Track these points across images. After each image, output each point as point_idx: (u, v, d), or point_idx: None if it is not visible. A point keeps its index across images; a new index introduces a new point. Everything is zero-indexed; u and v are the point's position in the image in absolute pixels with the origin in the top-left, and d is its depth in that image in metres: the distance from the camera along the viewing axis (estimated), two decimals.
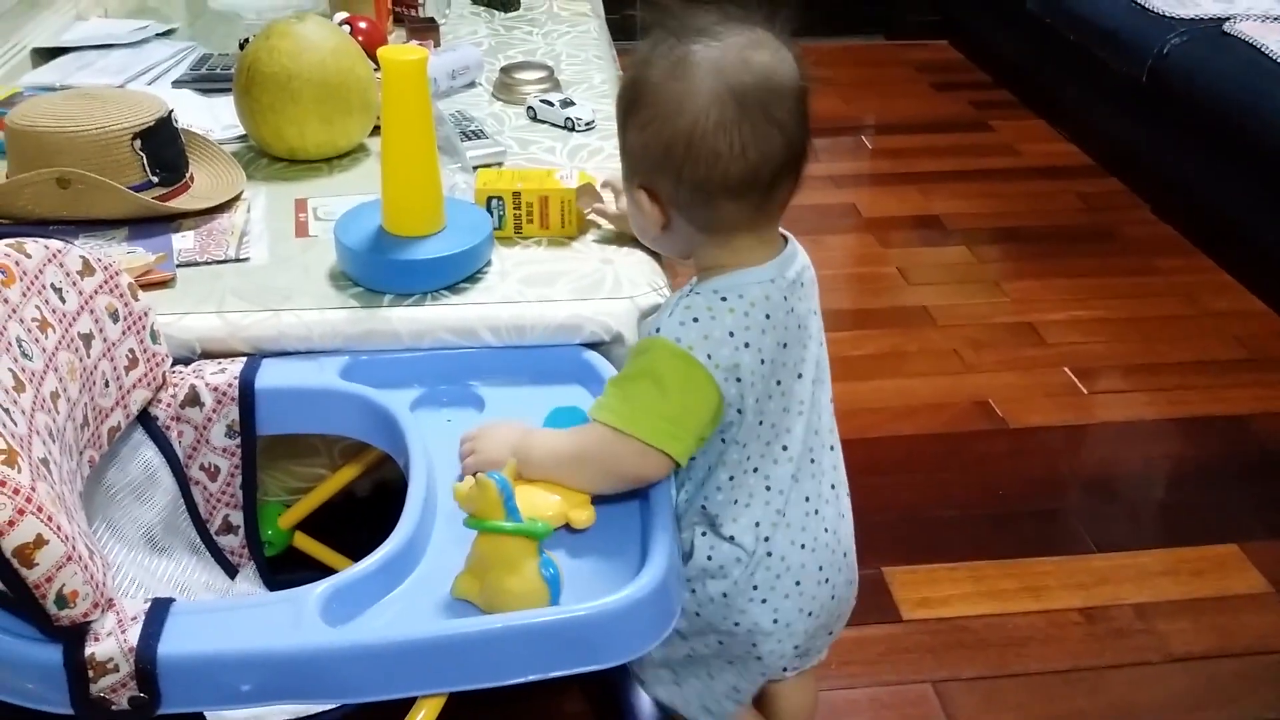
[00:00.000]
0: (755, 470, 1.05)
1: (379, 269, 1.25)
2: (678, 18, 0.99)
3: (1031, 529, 1.90)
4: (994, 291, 2.62)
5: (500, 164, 1.57)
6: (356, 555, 0.98)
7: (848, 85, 3.81)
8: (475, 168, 1.52)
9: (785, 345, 1.02)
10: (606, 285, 1.27)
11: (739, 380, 0.99)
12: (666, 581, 0.94)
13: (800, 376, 1.05)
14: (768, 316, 1.00)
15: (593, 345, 1.24)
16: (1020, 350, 2.39)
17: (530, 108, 1.74)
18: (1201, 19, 2.98)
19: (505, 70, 1.84)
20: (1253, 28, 2.83)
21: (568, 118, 1.69)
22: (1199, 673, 1.62)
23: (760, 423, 1.03)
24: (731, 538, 1.05)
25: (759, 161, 0.96)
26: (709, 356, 0.97)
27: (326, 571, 1.00)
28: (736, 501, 1.05)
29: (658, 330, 1.00)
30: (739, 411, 1.01)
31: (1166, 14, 3.03)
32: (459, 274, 1.27)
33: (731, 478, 1.05)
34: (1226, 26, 2.89)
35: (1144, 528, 1.93)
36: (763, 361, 1.00)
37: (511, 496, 0.91)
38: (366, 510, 1.34)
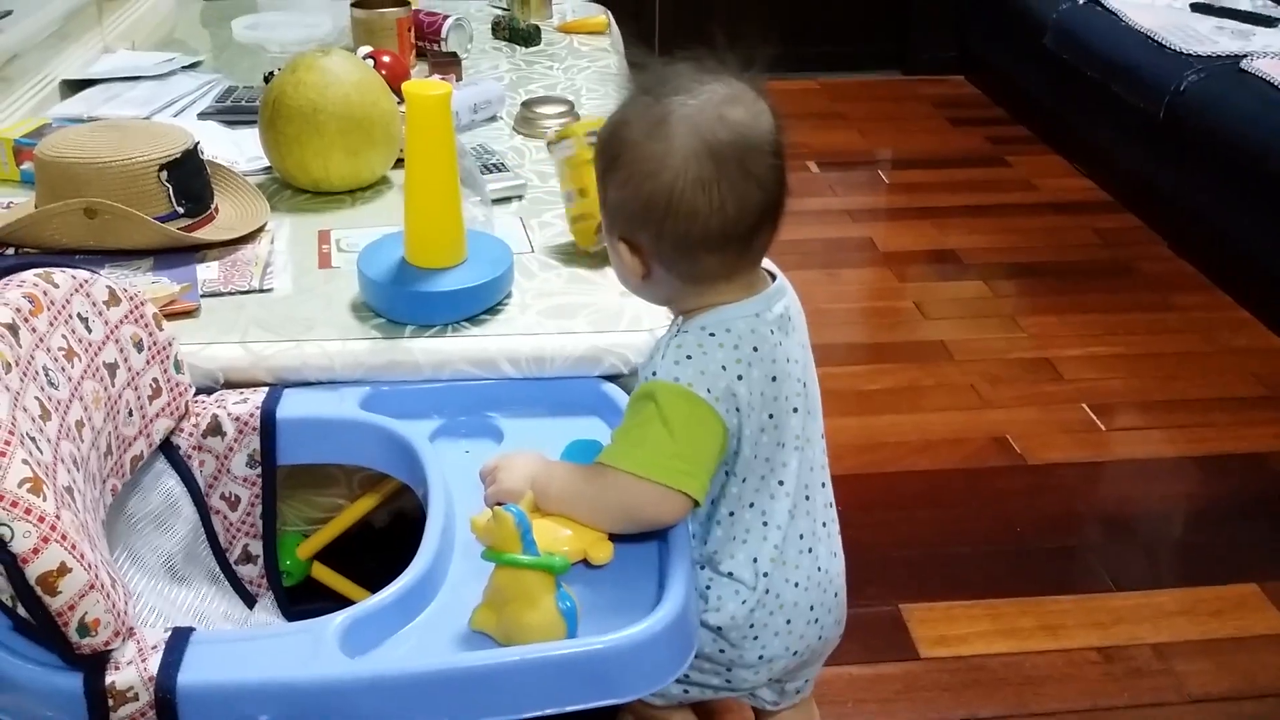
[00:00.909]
0: (752, 506, 1.05)
1: (401, 300, 1.26)
2: (654, 74, 1.01)
3: (1049, 567, 1.89)
4: (1011, 326, 2.62)
5: (521, 197, 1.58)
6: (373, 586, 0.98)
7: (865, 120, 3.82)
8: (494, 201, 1.53)
9: (774, 379, 1.02)
10: (625, 318, 1.28)
11: (738, 410, 1.00)
12: (684, 615, 0.94)
13: (795, 410, 1.05)
14: (755, 349, 1.01)
15: (611, 378, 1.25)
16: (1038, 386, 2.39)
17: (550, 141, 1.75)
18: (1219, 56, 2.99)
19: (526, 104, 1.86)
20: (1270, 65, 2.84)
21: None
22: (1218, 714, 1.61)
23: (756, 457, 1.03)
24: (730, 574, 1.05)
25: (737, 216, 0.97)
26: (708, 390, 0.98)
27: (344, 602, 1.00)
28: (734, 538, 1.05)
29: (654, 374, 1.00)
30: (737, 441, 1.01)
31: (1184, 51, 3.04)
32: (480, 306, 1.28)
33: (731, 513, 1.05)
34: (1244, 64, 2.90)
35: (1162, 566, 1.91)
36: (752, 394, 1.00)
37: (529, 530, 0.91)
38: (383, 541, 1.35)
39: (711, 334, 1.00)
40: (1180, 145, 2.94)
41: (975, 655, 1.69)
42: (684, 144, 0.96)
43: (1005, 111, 3.95)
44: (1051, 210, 3.23)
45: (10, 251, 1.40)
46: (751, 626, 1.06)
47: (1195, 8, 3.37)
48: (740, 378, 0.99)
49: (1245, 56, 2.94)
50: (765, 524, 1.05)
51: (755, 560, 1.05)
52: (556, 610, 0.92)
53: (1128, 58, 3.17)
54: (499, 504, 0.93)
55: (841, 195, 3.22)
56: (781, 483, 1.05)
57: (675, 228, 0.97)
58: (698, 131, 0.96)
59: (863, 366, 2.43)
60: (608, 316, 1.28)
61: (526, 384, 1.24)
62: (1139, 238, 3.07)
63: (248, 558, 1.24)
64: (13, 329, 0.94)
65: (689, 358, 0.99)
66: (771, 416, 1.03)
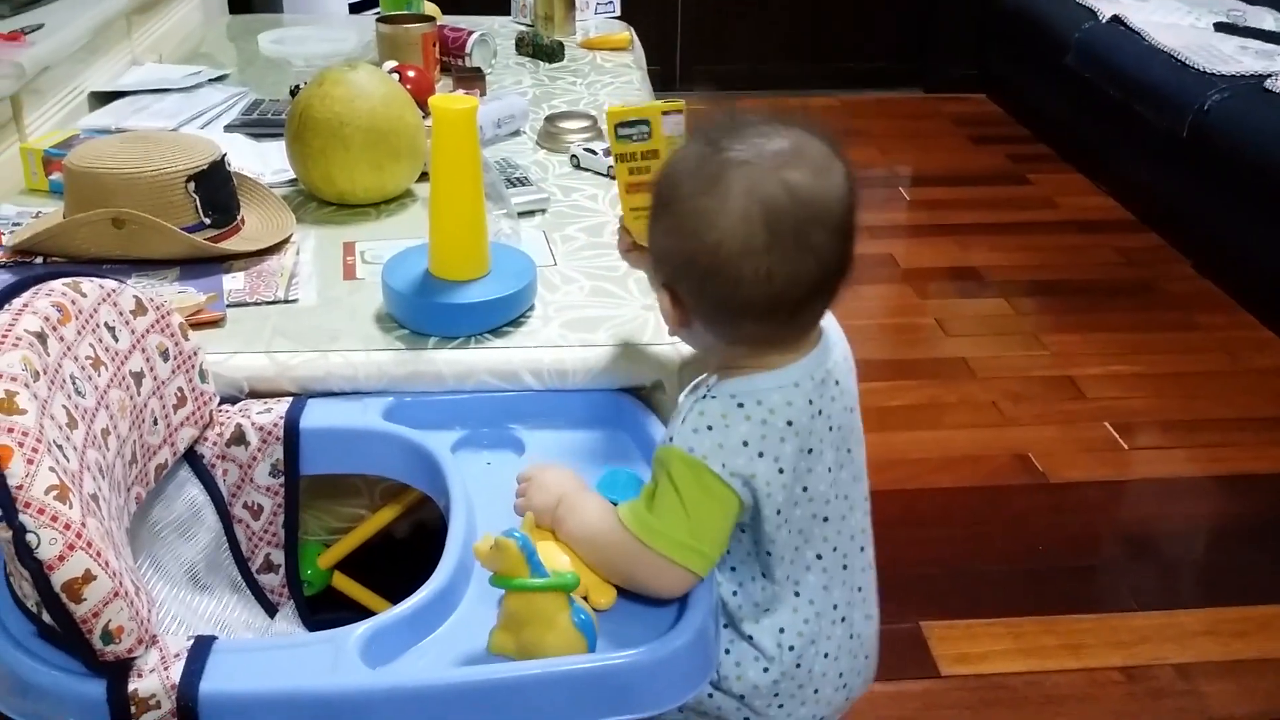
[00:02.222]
0: (787, 578, 1.00)
1: (425, 312, 1.26)
2: (720, 120, 0.93)
3: (1071, 585, 1.88)
4: (1033, 344, 2.61)
5: (544, 211, 1.59)
6: (393, 597, 0.98)
7: (886, 137, 3.83)
8: (519, 214, 1.54)
9: (810, 451, 0.96)
10: (649, 331, 1.28)
11: (754, 491, 0.94)
12: (705, 630, 0.94)
13: (836, 481, 1.00)
14: (789, 423, 0.94)
15: (633, 390, 1.25)
16: (1060, 404, 2.38)
17: (574, 156, 1.76)
18: (1243, 76, 2.99)
19: (549, 119, 1.87)
20: None
21: (610, 166, 1.71)
22: None
23: (789, 531, 0.98)
24: (751, 638, 1.01)
25: (785, 287, 0.91)
26: (723, 465, 0.92)
27: (364, 612, 1.00)
28: (759, 604, 1.01)
29: (671, 439, 0.95)
30: (754, 515, 0.97)
31: (1208, 70, 3.03)
32: (503, 318, 1.28)
33: (759, 577, 1.01)
34: (1268, 84, 2.89)
35: (1185, 586, 1.90)
36: (781, 470, 0.94)
37: (534, 553, 0.90)
38: (404, 552, 1.35)
39: (740, 404, 0.94)
40: (1203, 164, 2.93)
41: (996, 673, 1.69)
42: (737, 205, 0.88)
43: (1027, 130, 3.95)
44: (1073, 228, 3.22)
45: (39, 261, 1.41)
46: (776, 695, 1.02)
47: (1219, 27, 3.36)
48: (762, 455, 0.93)
49: (1269, 76, 2.93)
50: (797, 594, 1.01)
51: (782, 631, 1.01)
52: (574, 627, 0.91)
53: (1151, 77, 3.17)
54: (503, 532, 0.90)
55: (862, 212, 3.21)
56: (820, 556, 1.01)
57: (716, 290, 0.92)
58: (753, 192, 0.88)
59: (883, 383, 2.43)
60: (630, 330, 1.28)
61: (549, 396, 1.24)
62: (1161, 256, 3.06)
63: (269, 567, 1.25)
64: (41, 338, 0.94)
65: (709, 428, 0.93)
66: (805, 489, 0.97)
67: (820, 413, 0.97)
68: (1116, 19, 3.46)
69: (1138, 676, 1.69)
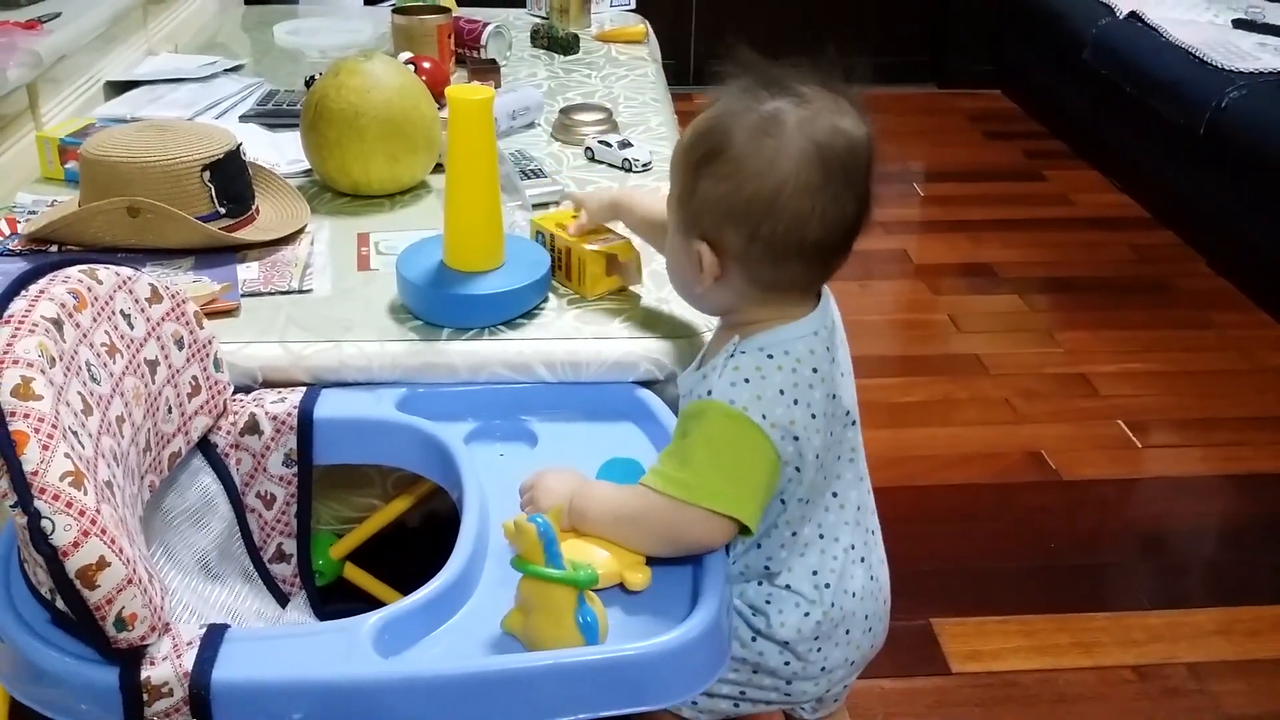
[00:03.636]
0: (812, 520, 1.04)
1: (439, 302, 1.26)
2: (759, 73, 0.98)
3: (1084, 583, 1.87)
4: (1046, 341, 2.60)
5: (559, 203, 1.59)
6: (405, 588, 0.98)
7: (900, 132, 3.81)
8: (534, 205, 1.54)
9: (834, 396, 1.01)
10: (662, 324, 1.28)
11: (795, 439, 0.97)
12: (719, 622, 0.94)
13: (854, 423, 1.05)
14: (815, 370, 0.99)
15: (647, 384, 1.24)
16: (1073, 401, 2.37)
17: (588, 148, 1.76)
18: (1261, 72, 2.97)
19: (564, 111, 1.87)
20: None
21: (625, 159, 1.71)
22: None
23: (822, 476, 1.03)
24: (788, 586, 1.04)
25: (834, 227, 0.96)
26: (764, 416, 0.96)
27: (375, 604, 1.00)
28: (793, 553, 1.05)
29: (709, 393, 0.97)
30: (797, 470, 1.00)
31: (1226, 67, 3.01)
32: (516, 310, 1.28)
33: (795, 533, 1.04)
34: None
35: (1198, 585, 1.89)
36: (814, 416, 0.99)
37: (553, 541, 0.90)
38: (417, 543, 1.35)
39: (770, 356, 0.98)
40: (1220, 162, 2.92)
41: (1008, 671, 1.68)
42: (800, 146, 0.93)
43: (1042, 126, 3.93)
44: (1088, 225, 3.20)
45: (54, 249, 1.41)
46: (817, 639, 1.05)
47: (1238, 24, 3.34)
48: (797, 401, 0.97)
49: None
50: (822, 537, 1.05)
51: (815, 573, 1.05)
52: (576, 626, 0.91)
53: (1168, 73, 3.15)
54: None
55: (875, 207, 3.20)
56: (835, 495, 1.05)
57: (774, 229, 0.95)
58: (813, 137, 0.94)
59: (895, 379, 2.42)
60: (644, 322, 1.28)
61: (562, 388, 1.24)
62: (1176, 254, 3.04)
63: (281, 556, 1.25)
64: (57, 324, 0.94)
65: (746, 381, 0.97)
66: (832, 433, 1.02)
67: (834, 359, 1.02)
68: (1134, 15, 3.44)
69: (1150, 676, 1.68)
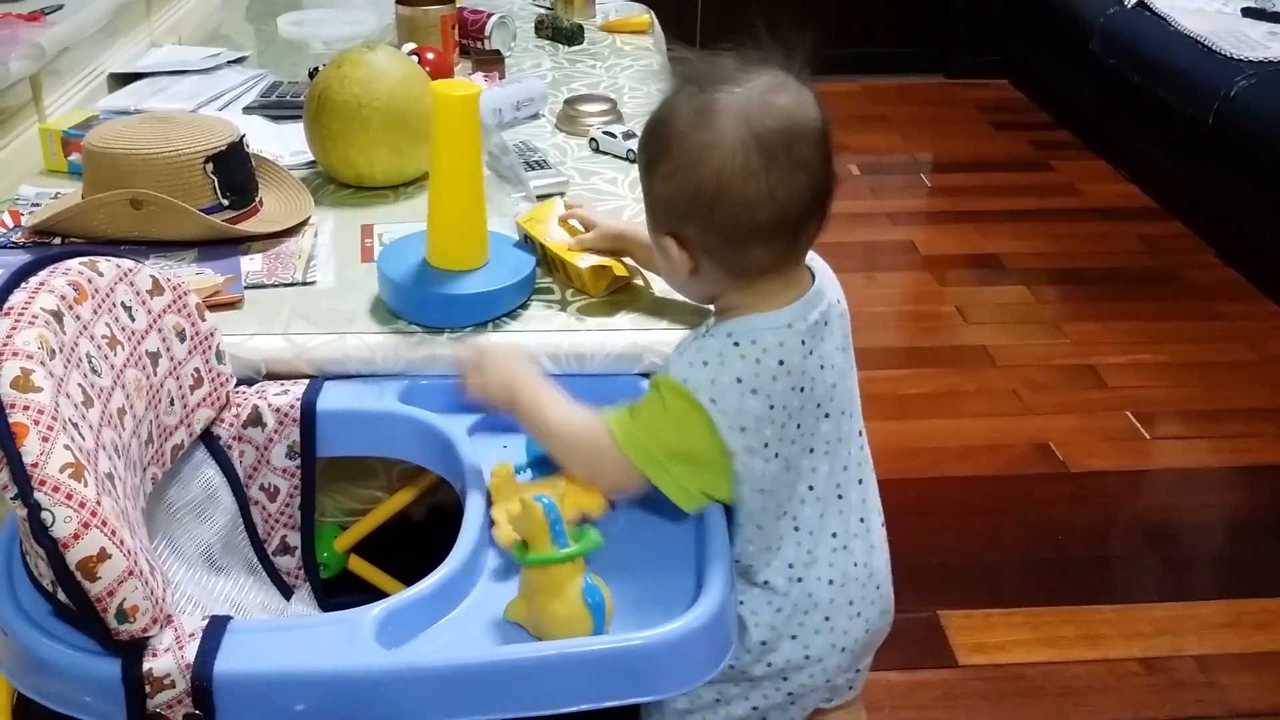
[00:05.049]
0: (784, 514, 1.04)
1: (420, 301, 1.24)
2: (698, 65, 1.00)
3: (1091, 575, 1.87)
4: (1053, 332, 2.59)
5: (563, 194, 1.58)
6: (409, 580, 0.98)
7: (907, 123, 3.80)
8: (538, 197, 1.53)
9: (803, 389, 1.01)
10: (666, 316, 1.27)
11: (743, 430, 0.98)
12: (723, 612, 0.93)
13: (827, 416, 1.04)
14: (781, 363, 0.99)
15: (651, 375, 1.24)
16: (1080, 393, 2.36)
17: (593, 139, 1.75)
18: (1270, 62, 2.95)
19: (569, 102, 1.86)
20: None
21: (630, 149, 1.70)
22: None
23: (786, 469, 1.02)
24: (765, 582, 1.05)
25: (786, 204, 0.96)
26: (713, 401, 0.98)
27: (379, 596, 1.00)
28: (768, 548, 1.05)
29: (670, 369, 1.01)
30: (761, 461, 1.00)
31: (1235, 56, 3.00)
32: (498, 310, 1.25)
33: (760, 526, 1.04)
34: None
35: (1206, 577, 1.89)
36: (772, 408, 0.99)
37: (559, 520, 0.91)
38: (421, 535, 1.35)
39: (736, 344, 0.99)
40: (1229, 151, 2.90)
41: (1014, 664, 1.68)
42: (732, 132, 0.95)
43: (1049, 116, 3.91)
44: (1096, 216, 3.19)
45: (57, 241, 1.41)
46: (788, 626, 1.06)
47: (1246, 12, 3.32)
48: (755, 391, 0.98)
49: None
50: (796, 529, 1.05)
51: (790, 566, 1.05)
52: (582, 602, 0.91)
53: (1176, 63, 3.13)
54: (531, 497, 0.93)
55: (882, 198, 3.20)
56: (812, 488, 1.05)
57: (724, 216, 0.96)
58: (745, 119, 0.95)
59: (902, 370, 2.42)
60: (647, 314, 1.27)
61: (566, 380, 1.23)
62: (1185, 245, 3.03)
63: (285, 549, 1.25)
64: (57, 316, 0.94)
65: (705, 364, 0.98)
66: (799, 426, 1.02)
67: (812, 353, 1.01)
68: (1141, 4, 3.42)
69: (1157, 668, 1.67)
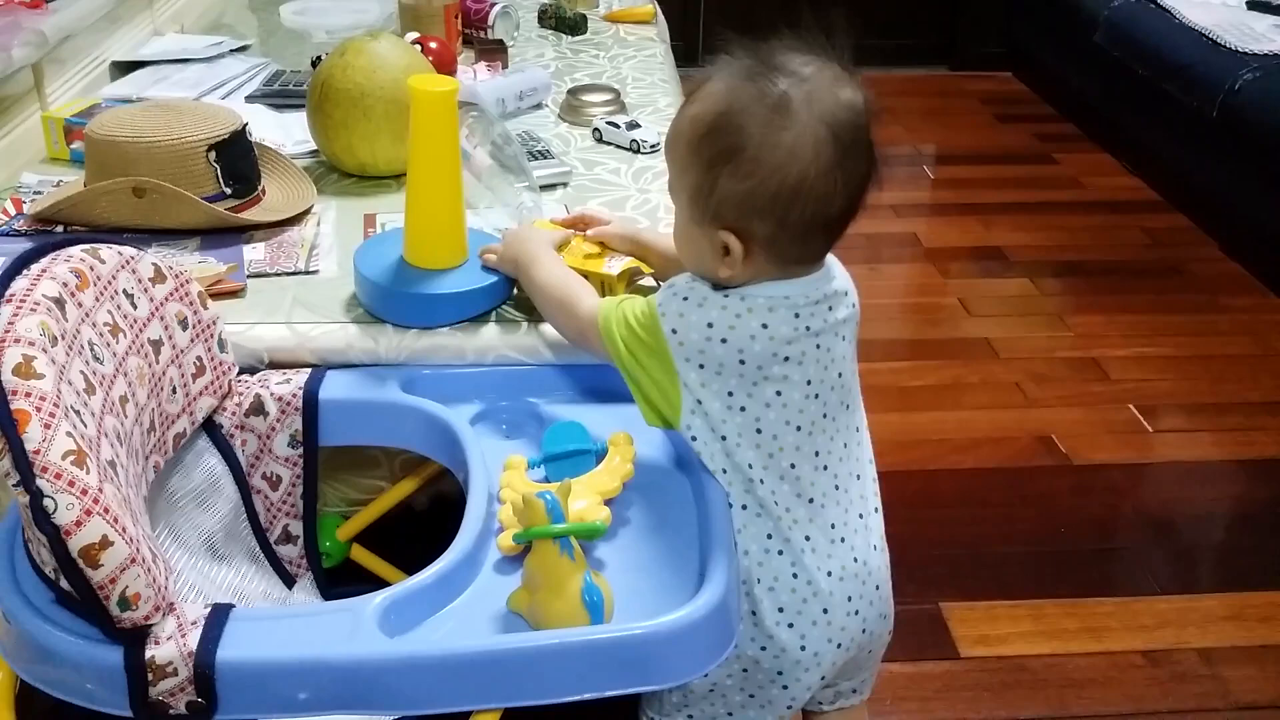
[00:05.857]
0: (776, 501, 1.03)
1: (396, 301, 1.22)
2: (755, 56, 0.98)
3: (1093, 568, 1.87)
4: (1057, 325, 2.59)
5: (566, 184, 1.58)
6: (412, 570, 0.97)
7: (910, 115, 3.79)
8: (541, 187, 1.53)
9: (787, 359, 1.00)
10: None
11: (701, 367, 1.00)
12: (726, 601, 0.93)
13: (817, 397, 1.03)
14: (765, 326, 0.99)
15: None
16: (1084, 385, 2.36)
17: (596, 129, 1.74)
18: (1275, 55, 2.94)
19: (572, 92, 1.85)
20: None
21: (633, 140, 1.69)
22: None
23: (758, 430, 1.01)
24: (746, 552, 1.04)
25: (854, 195, 0.98)
26: (674, 331, 1.00)
27: (382, 585, 1.00)
28: (769, 536, 1.04)
29: (656, 293, 1.05)
30: (720, 405, 1.00)
31: (1239, 49, 2.99)
32: (476, 310, 1.24)
33: (745, 506, 1.03)
34: None
35: (1209, 570, 1.88)
36: (743, 362, 0.99)
37: (561, 518, 0.91)
38: (423, 524, 1.35)
39: (725, 294, 1.00)
40: (1233, 145, 2.89)
41: (1017, 656, 1.67)
42: (812, 131, 0.95)
43: (1053, 108, 3.90)
44: (1099, 209, 3.18)
45: (59, 229, 1.41)
46: (781, 611, 1.04)
47: (1252, 5, 3.31)
48: (725, 341, 0.98)
49: None
50: (795, 521, 1.04)
51: (781, 553, 1.04)
52: (581, 603, 0.91)
53: (1181, 55, 3.12)
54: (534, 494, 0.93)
55: (885, 189, 3.17)
56: (793, 466, 1.04)
57: (802, 213, 0.97)
58: (822, 117, 0.95)
59: (905, 363, 2.41)
60: None
61: (569, 370, 1.23)
62: (1188, 238, 3.03)
63: (288, 538, 1.25)
64: (59, 303, 0.94)
65: (685, 299, 1.01)
66: (780, 394, 1.00)
67: (808, 329, 1.01)
68: None
69: (1160, 661, 1.67)
